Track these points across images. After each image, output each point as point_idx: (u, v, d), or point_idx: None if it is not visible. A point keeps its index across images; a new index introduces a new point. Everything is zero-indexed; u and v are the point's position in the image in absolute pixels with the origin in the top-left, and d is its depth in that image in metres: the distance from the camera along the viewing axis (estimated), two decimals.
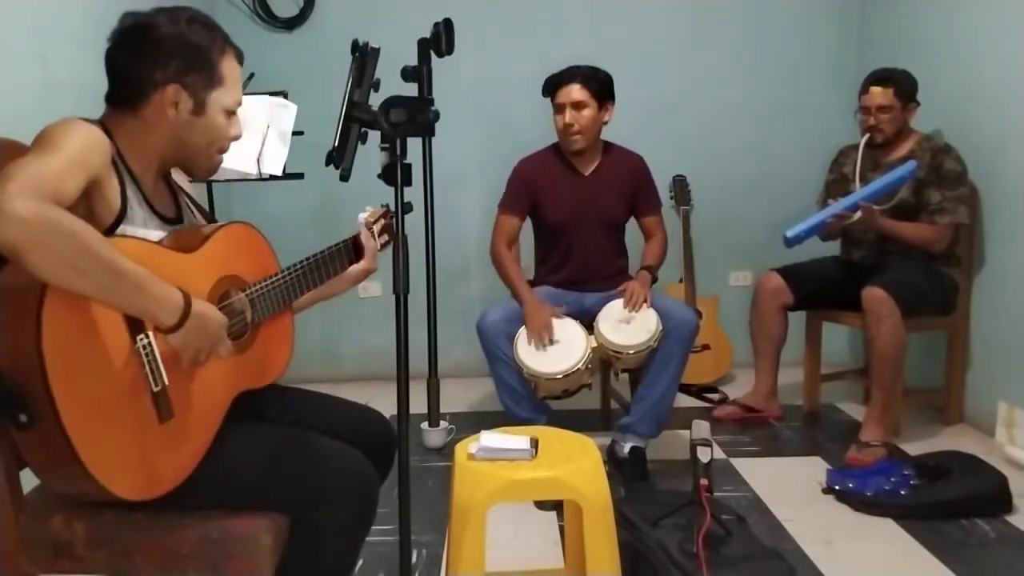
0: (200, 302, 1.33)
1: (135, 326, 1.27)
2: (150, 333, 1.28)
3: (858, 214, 2.90)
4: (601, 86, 2.84)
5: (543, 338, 2.69)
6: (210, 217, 1.70)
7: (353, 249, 1.76)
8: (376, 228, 1.83)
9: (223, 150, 1.54)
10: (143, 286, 1.23)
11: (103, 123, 1.40)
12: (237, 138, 1.55)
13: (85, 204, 1.29)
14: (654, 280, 2.89)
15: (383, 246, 1.84)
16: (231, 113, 1.51)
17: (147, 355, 1.28)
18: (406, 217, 1.56)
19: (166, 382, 1.31)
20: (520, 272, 2.93)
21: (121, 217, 1.36)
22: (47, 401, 1.15)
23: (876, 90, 3.04)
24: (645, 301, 2.74)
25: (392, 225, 1.85)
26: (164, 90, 1.41)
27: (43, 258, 1.11)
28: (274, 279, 1.57)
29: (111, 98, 1.46)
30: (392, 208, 1.75)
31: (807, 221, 2.95)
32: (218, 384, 1.45)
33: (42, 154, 1.21)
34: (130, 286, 1.21)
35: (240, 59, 1.52)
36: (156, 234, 1.43)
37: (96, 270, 1.16)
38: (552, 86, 2.87)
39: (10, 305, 1.18)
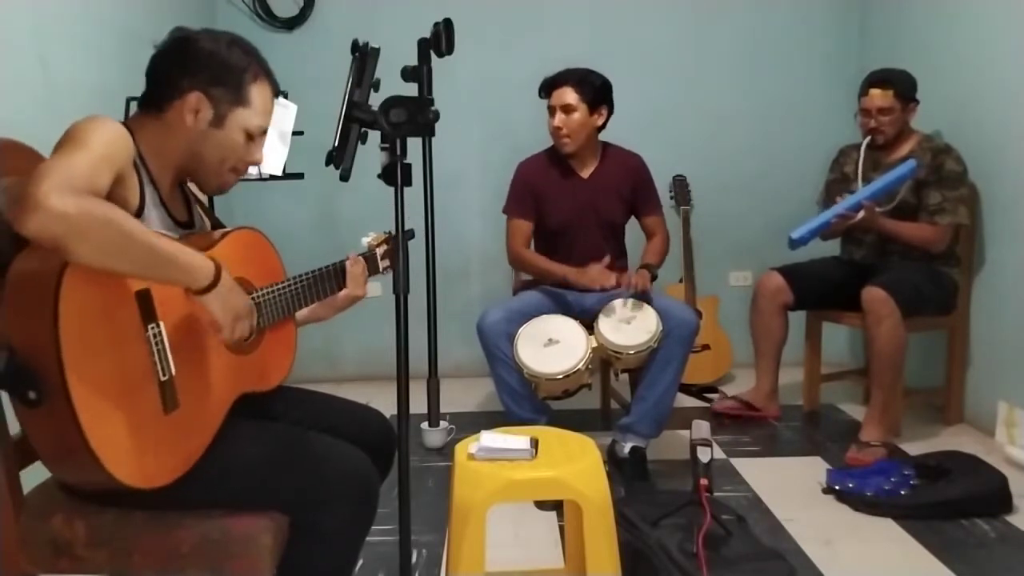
0: (229, 276, 1.38)
1: (147, 314, 1.30)
2: (161, 323, 1.31)
3: (861, 214, 2.90)
4: (594, 91, 2.84)
5: (608, 280, 2.73)
6: (218, 224, 1.71)
7: (341, 274, 1.75)
8: (379, 252, 1.85)
9: (237, 170, 1.56)
10: (178, 259, 1.30)
11: (127, 125, 1.43)
12: (256, 163, 1.58)
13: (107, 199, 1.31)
14: (653, 278, 2.88)
15: (385, 270, 1.86)
16: (252, 137, 1.53)
17: (157, 344, 1.31)
18: (406, 219, 1.56)
19: (173, 372, 1.33)
20: (548, 260, 2.94)
21: (137, 216, 1.39)
22: (59, 380, 1.17)
23: (876, 92, 3.04)
24: (647, 290, 2.74)
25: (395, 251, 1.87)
26: (187, 96, 1.45)
27: (86, 247, 1.17)
28: (280, 286, 1.59)
29: (141, 101, 1.51)
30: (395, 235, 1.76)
31: (811, 222, 2.95)
32: (222, 383, 1.46)
33: (71, 151, 1.24)
34: (166, 261, 1.28)
35: (276, 90, 1.56)
36: (170, 235, 1.44)
37: (135, 251, 1.23)
38: (546, 87, 2.89)
39: (26, 288, 1.21)
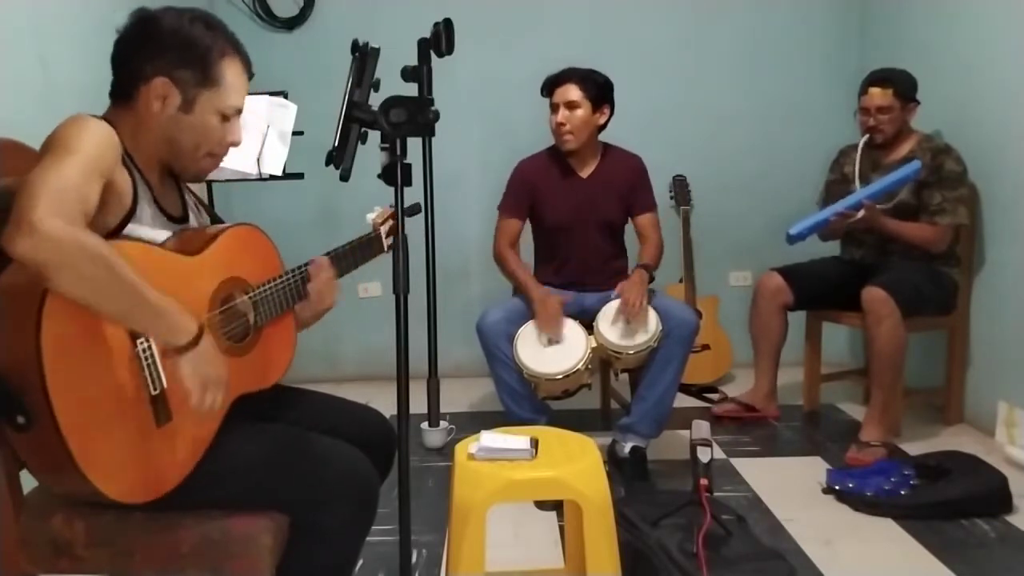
0: (210, 343, 1.33)
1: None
2: (150, 338, 1.28)
3: (861, 213, 2.90)
4: (597, 88, 2.84)
5: (554, 330, 2.70)
6: (215, 216, 1.70)
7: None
8: (384, 229, 1.83)
9: (213, 154, 1.51)
10: (162, 314, 1.25)
11: (107, 119, 1.40)
12: (235, 144, 1.52)
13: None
14: (651, 280, 2.84)
15: (391, 248, 1.84)
16: (226, 117, 1.48)
17: (147, 358, 1.28)
18: (407, 217, 1.56)
19: (165, 385, 1.31)
20: (524, 267, 2.94)
21: (130, 215, 1.37)
22: (44, 403, 1.15)
23: (875, 91, 3.04)
24: (641, 305, 2.68)
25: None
26: (152, 82, 1.40)
27: (70, 279, 1.14)
28: (277, 282, 1.57)
29: (111, 92, 1.46)
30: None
31: (810, 219, 2.95)
32: None
33: (60, 160, 1.21)
34: (150, 313, 1.24)
35: (248, 67, 1.50)
36: (163, 233, 1.43)
37: (119, 295, 1.19)
38: (549, 85, 2.88)
39: (10, 306, 1.18)
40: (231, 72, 1.46)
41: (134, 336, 1.27)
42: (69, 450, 1.17)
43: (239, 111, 1.50)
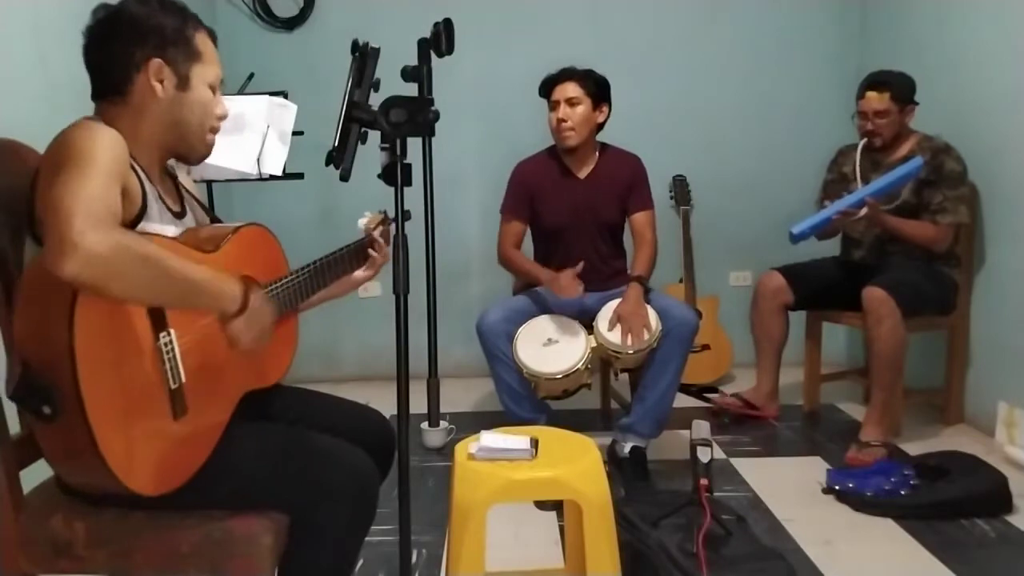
0: (257, 294, 1.40)
1: (159, 323, 1.30)
2: (172, 330, 1.31)
3: (864, 210, 2.90)
4: (596, 86, 2.85)
5: (578, 289, 2.71)
6: (208, 210, 1.71)
7: (359, 253, 1.77)
8: (375, 233, 1.84)
9: (214, 130, 1.53)
10: (210, 291, 1.31)
11: (104, 122, 1.39)
12: (224, 117, 1.55)
13: None
14: (648, 290, 2.80)
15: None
16: (214, 89, 1.51)
17: (168, 352, 1.30)
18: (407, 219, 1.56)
19: (183, 380, 1.33)
20: (530, 260, 2.95)
21: (141, 214, 1.38)
22: (75, 396, 1.17)
23: (872, 95, 3.03)
24: (643, 325, 2.67)
25: (390, 231, 1.86)
26: (147, 66, 1.41)
27: (124, 287, 1.17)
28: (283, 281, 1.59)
29: (98, 93, 1.46)
30: (390, 214, 1.76)
31: (813, 217, 2.94)
32: (228, 383, 1.47)
33: (81, 172, 1.20)
34: (201, 294, 1.30)
35: (213, 39, 1.53)
36: (170, 229, 1.45)
37: (171, 286, 1.24)
38: (548, 84, 2.89)
39: (40, 302, 1.20)
40: (206, 45, 1.49)
41: (156, 331, 1.29)
42: (95, 440, 1.18)
43: (220, 80, 1.53)
